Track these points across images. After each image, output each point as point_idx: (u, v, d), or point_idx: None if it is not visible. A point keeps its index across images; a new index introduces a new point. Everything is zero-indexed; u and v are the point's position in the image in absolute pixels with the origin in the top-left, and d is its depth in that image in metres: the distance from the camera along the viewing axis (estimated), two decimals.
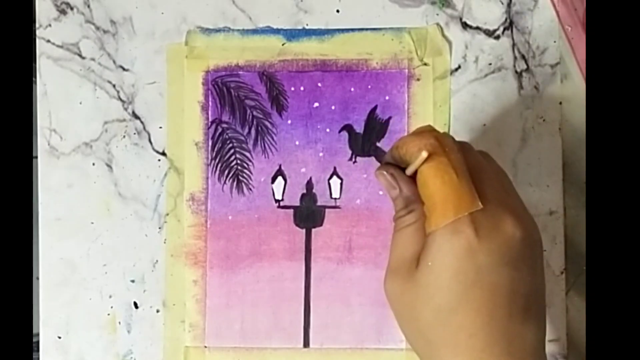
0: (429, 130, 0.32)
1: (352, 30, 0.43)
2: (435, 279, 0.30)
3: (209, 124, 0.43)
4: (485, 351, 0.30)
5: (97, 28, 0.44)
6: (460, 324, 0.30)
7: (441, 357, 0.31)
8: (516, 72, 0.43)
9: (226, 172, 0.43)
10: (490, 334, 0.30)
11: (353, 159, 0.43)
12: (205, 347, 0.43)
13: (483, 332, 0.30)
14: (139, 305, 0.43)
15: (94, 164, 0.44)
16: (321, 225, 0.43)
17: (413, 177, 0.33)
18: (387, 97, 0.43)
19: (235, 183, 0.43)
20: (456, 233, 0.30)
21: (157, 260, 0.43)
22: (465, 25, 0.43)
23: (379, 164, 0.43)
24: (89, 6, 0.44)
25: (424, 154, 0.31)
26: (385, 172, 0.33)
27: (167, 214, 0.43)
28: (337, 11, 0.43)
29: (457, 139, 0.42)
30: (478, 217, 0.30)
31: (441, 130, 0.34)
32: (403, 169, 0.33)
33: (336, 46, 0.43)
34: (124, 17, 0.44)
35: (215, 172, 0.43)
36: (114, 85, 0.44)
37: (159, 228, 0.43)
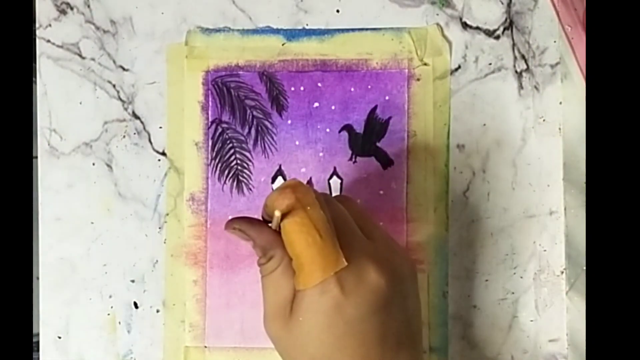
0: (291, 187, 0.32)
1: (352, 30, 0.43)
2: (308, 333, 0.32)
3: (209, 124, 0.43)
4: None
5: (97, 28, 0.44)
6: None
7: None
8: (516, 72, 0.43)
9: (226, 172, 0.43)
10: None
11: (353, 159, 0.43)
12: (205, 347, 0.43)
13: None
14: (139, 305, 0.43)
15: (94, 164, 0.44)
16: None
17: (267, 225, 0.34)
18: (387, 97, 0.43)
19: (235, 183, 0.43)
20: (323, 293, 0.31)
21: (157, 260, 0.43)
22: (465, 25, 0.43)
23: (379, 164, 0.43)
24: (89, 6, 0.44)
25: (277, 214, 0.31)
26: (233, 228, 0.34)
27: (167, 214, 0.43)
28: (337, 11, 0.43)
29: (457, 139, 0.42)
30: (343, 273, 0.31)
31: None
32: (266, 220, 0.34)
33: (336, 46, 0.43)
34: (124, 17, 0.44)
35: (215, 172, 0.43)
36: (114, 85, 0.44)
37: (159, 228, 0.43)
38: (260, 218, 0.35)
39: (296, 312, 0.32)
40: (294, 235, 0.32)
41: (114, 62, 0.44)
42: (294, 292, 0.32)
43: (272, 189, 0.43)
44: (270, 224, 0.33)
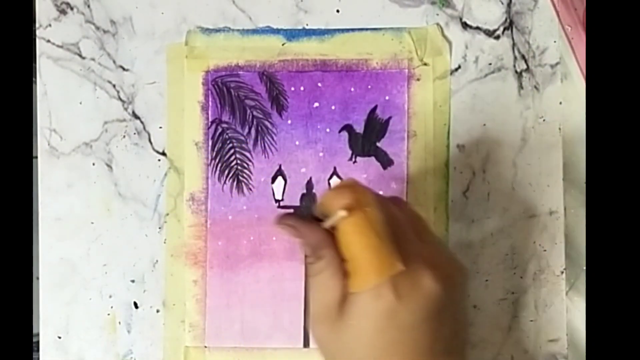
0: (350, 186, 0.32)
1: (352, 30, 0.43)
2: (358, 337, 0.31)
3: (209, 124, 0.43)
4: None
5: (97, 28, 0.44)
6: None
7: None
8: (516, 72, 0.43)
9: (226, 172, 0.43)
10: None
11: (353, 159, 0.43)
12: (205, 347, 0.43)
13: None
14: (139, 305, 0.43)
15: (94, 164, 0.44)
16: None
17: (318, 224, 0.33)
18: (387, 97, 0.43)
19: (235, 183, 0.43)
20: (378, 297, 0.30)
21: (157, 260, 0.43)
22: (465, 25, 0.43)
23: (379, 164, 0.43)
24: (89, 6, 0.44)
25: (341, 213, 0.31)
26: (283, 225, 0.33)
27: (167, 214, 0.43)
28: (337, 11, 0.43)
29: (457, 139, 0.42)
30: (398, 278, 0.30)
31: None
32: (317, 219, 0.33)
33: (336, 46, 0.43)
34: (124, 17, 0.44)
35: (215, 172, 0.43)
36: (114, 85, 0.44)
37: (159, 228, 0.43)
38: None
39: (347, 315, 0.31)
40: (351, 236, 0.31)
41: (114, 62, 0.44)
42: (343, 294, 0.31)
43: (272, 189, 0.43)
44: (322, 223, 0.32)
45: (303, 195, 0.43)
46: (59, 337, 0.43)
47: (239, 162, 0.43)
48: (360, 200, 0.31)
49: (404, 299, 0.30)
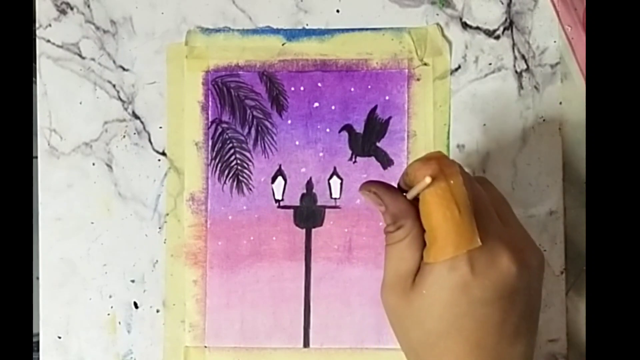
0: (436, 158, 0.32)
1: (352, 30, 0.43)
2: (429, 307, 0.31)
3: (209, 124, 0.43)
4: None
5: (97, 28, 0.44)
6: (449, 348, 0.31)
7: None
8: (516, 72, 0.43)
9: (226, 172, 0.43)
10: (477, 356, 0.31)
11: (353, 159, 0.43)
12: (205, 347, 0.43)
13: (470, 355, 0.31)
14: (139, 305, 0.43)
15: (94, 164, 0.44)
16: (321, 225, 0.43)
17: (402, 194, 0.33)
18: (387, 97, 0.43)
19: (235, 183, 0.43)
20: (453, 270, 0.31)
21: (157, 260, 0.43)
22: (465, 25, 0.43)
23: (379, 164, 0.43)
24: (89, 6, 0.44)
25: (427, 180, 0.31)
26: (368, 191, 0.34)
27: (167, 214, 0.43)
28: (337, 11, 0.43)
29: (457, 139, 0.42)
30: (475, 254, 0.31)
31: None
32: (401, 189, 0.34)
33: (336, 46, 0.43)
34: (124, 17, 0.44)
35: (215, 172, 0.43)
36: (114, 85, 0.44)
37: (159, 228, 0.43)
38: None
39: (420, 284, 0.31)
40: (433, 206, 0.31)
41: (114, 62, 0.44)
42: (418, 264, 0.32)
43: (272, 189, 0.43)
44: (405, 194, 0.33)
45: (303, 195, 0.43)
46: (59, 337, 0.43)
47: (239, 162, 0.43)
48: (445, 171, 0.31)
49: (478, 274, 0.30)
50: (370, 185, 0.34)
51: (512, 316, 0.31)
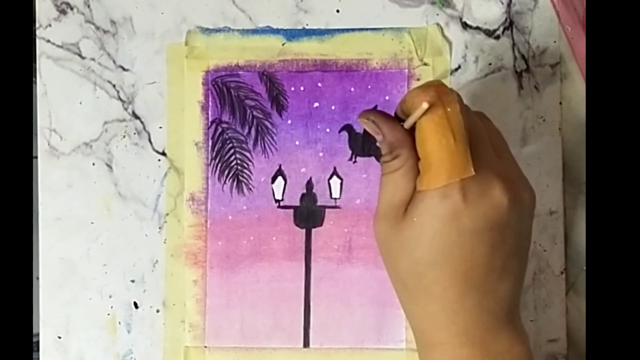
0: (435, 86, 0.32)
1: (352, 30, 0.43)
2: (419, 235, 0.31)
3: (209, 124, 0.43)
4: (457, 302, 0.31)
5: (97, 28, 0.44)
6: (437, 277, 0.31)
7: (416, 301, 0.33)
8: (516, 72, 0.43)
9: (226, 172, 0.43)
10: (464, 288, 0.31)
11: (353, 159, 0.43)
12: (205, 347, 0.43)
13: (457, 286, 0.31)
14: (139, 305, 0.43)
15: (94, 164, 0.44)
16: (321, 225, 0.43)
17: (400, 123, 0.33)
18: (387, 97, 0.43)
19: (235, 183, 0.43)
20: (445, 197, 0.31)
21: (157, 260, 0.43)
22: (465, 25, 0.43)
23: (379, 164, 0.43)
24: (89, 6, 0.44)
25: (425, 105, 0.31)
26: (366, 120, 0.34)
27: (167, 214, 0.43)
28: (337, 11, 0.43)
29: None
30: (468, 182, 0.31)
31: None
32: (399, 119, 0.34)
33: (336, 46, 0.43)
34: (124, 17, 0.44)
35: (215, 172, 0.43)
36: (114, 85, 0.44)
37: (159, 228, 0.43)
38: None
39: (411, 212, 0.32)
40: (429, 133, 0.31)
41: (114, 62, 0.44)
42: (411, 194, 0.32)
43: (272, 189, 0.43)
44: (403, 124, 0.33)
45: (303, 195, 0.43)
46: (59, 337, 0.43)
47: (239, 162, 0.43)
48: (443, 99, 0.31)
49: (470, 203, 0.30)
50: (369, 114, 0.34)
51: (501, 250, 0.31)
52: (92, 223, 0.43)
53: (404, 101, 0.33)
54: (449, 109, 0.31)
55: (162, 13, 0.44)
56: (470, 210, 0.31)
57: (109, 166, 0.44)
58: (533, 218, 0.34)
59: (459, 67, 0.43)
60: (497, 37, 0.43)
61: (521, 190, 0.32)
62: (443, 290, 0.31)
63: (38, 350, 0.43)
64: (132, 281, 0.43)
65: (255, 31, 0.44)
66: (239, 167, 0.43)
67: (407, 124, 0.33)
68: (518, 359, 0.32)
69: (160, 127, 0.44)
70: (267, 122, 0.43)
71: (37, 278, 0.43)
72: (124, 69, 0.44)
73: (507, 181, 0.31)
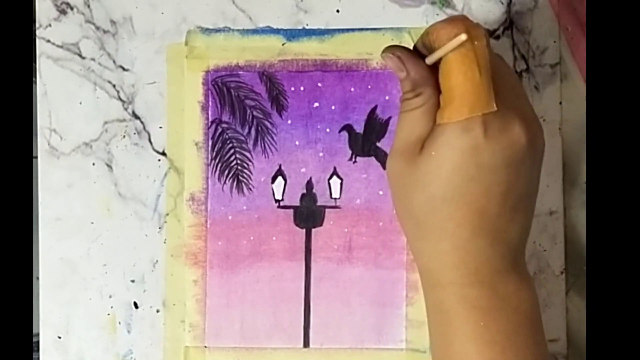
0: (461, 19, 0.32)
1: (352, 30, 0.43)
2: (436, 169, 0.31)
3: (209, 124, 0.43)
4: (470, 241, 0.31)
5: (97, 28, 0.44)
6: (451, 214, 0.31)
7: (427, 239, 0.32)
8: (516, 72, 0.43)
9: (226, 172, 0.43)
10: (477, 226, 0.31)
11: (353, 159, 0.43)
12: (205, 347, 0.43)
13: (471, 224, 0.31)
14: (139, 305, 0.43)
15: (94, 164, 0.44)
16: (321, 225, 0.43)
17: (424, 60, 0.33)
18: (387, 97, 0.43)
19: (235, 183, 0.43)
20: (466, 131, 0.31)
21: (157, 260, 0.43)
22: None
23: (379, 164, 0.43)
24: (89, 6, 0.44)
25: (463, 37, 0.30)
26: (391, 55, 0.33)
27: (167, 214, 0.43)
28: (337, 11, 0.43)
29: None
30: (489, 118, 0.31)
31: None
32: (420, 55, 0.33)
33: (336, 46, 0.43)
34: (124, 17, 0.44)
35: (215, 172, 0.43)
36: (114, 85, 0.44)
37: (159, 228, 0.43)
38: None
39: (430, 146, 0.31)
40: (455, 64, 0.31)
41: (114, 62, 0.44)
42: (429, 132, 0.32)
43: (272, 189, 0.43)
44: (428, 57, 0.33)
45: (303, 195, 0.43)
46: (59, 337, 0.43)
47: (239, 162, 0.43)
48: (471, 32, 0.31)
49: (491, 138, 0.30)
50: (395, 49, 0.33)
51: (514, 190, 0.31)
52: (92, 223, 0.43)
53: (427, 34, 0.33)
54: (476, 42, 0.31)
55: (162, 13, 0.44)
56: (490, 145, 0.30)
57: (109, 166, 0.44)
58: (541, 163, 0.34)
59: None
60: (497, 37, 0.43)
61: (537, 130, 0.33)
62: (456, 227, 0.31)
63: (38, 350, 0.43)
64: (132, 281, 0.43)
65: (255, 31, 0.44)
66: (239, 167, 0.43)
67: (434, 58, 0.32)
68: (525, 302, 0.32)
69: (160, 127, 0.44)
70: (267, 122, 0.43)
71: (37, 278, 0.43)
72: (124, 69, 0.44)
73: (525, 120, 0.32)
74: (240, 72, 0.43)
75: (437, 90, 0.32)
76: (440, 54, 0.32)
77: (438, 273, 0.32)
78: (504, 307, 0.32)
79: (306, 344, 0.42)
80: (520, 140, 0.31)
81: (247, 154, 0.43)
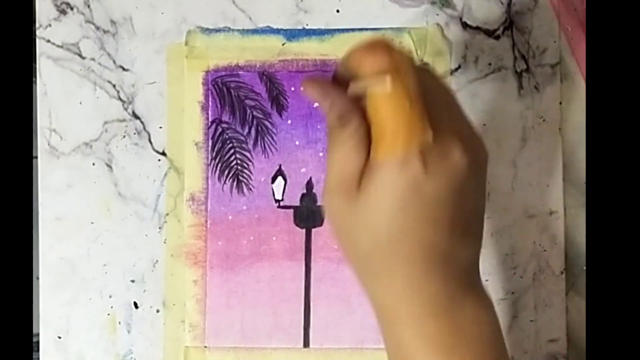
0: (383, 46, 0.29)
1: (352, 30, 0.43)
2: (378, 209, 0.29)
3: (209, 124, 0.43)
4: (423, 273, 0.30)
5: (97, 28, 0.44)
6: (400, 252, 0.30)
7: (378, 277, 0.31)
8: (516, 72, 0.43)
9: (226, 172, 0.43)
10: (428, 259, 0.30)
11: None
12: (205, 347, 0.43)
13: (421, 258, 0.30)
14: (139, 305, 0.43)
15: (94, 164, 0.44)
16: (321, 225, 0.43)
17: (346, 90, 0.30)
18: None
19: (235, 183, 0.43)
20: (404, 168, 0.28)
21: (157, 260, 0.43)
22: (465, 25, 0.43)
23: None
24: (89, 6, 0.44)
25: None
26: (311, 87, 0.30)
27: (167, 214, 0.43)
28: (337, 11, 0.43)
29: None
30: (426, 149, 0.28)
31: None
32: (343, 80, 0.31)
33: (336, 46, 0.43)
34: (124, 17, 0.44)
35: (215, 172, 0.43)
36: (114, 85, 0.44)
37: (159, 228, 0.43)
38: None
39: (367, 185, 0.29)
40: (382, 99, 0.29)
41: (114, 62, 0.44)
42: (364, 164, 0.30)
43: (272, 189, 0.43)
44: (352, 86, 0.30)
45: (303, 195, 0.43)
46: (59, 337, 0.43)
47: (239, 162, 0.43)
48: (395, 61, 0.29)
49: (431, 171, 0.28)
50: (313, 81, 0.30)
51: (462, 212, 0.30)
52: (92, 223, 0.43)
53: (347, 60, 0.30)
54: (402, 71, 0.29)
55: (162, 13, 0.44)
56: (431, 178, 0.29)
57: (109, 166, 0.44)
58: (486, 176, 0.32)
59: (459, 67, 0.43)
60: (497, 37, 0.43)
61: (477, 147, 0.31)
62: (406, 263, 0.30)
63: (38, 350, 0.43)
64: (132, 281, 0.43)
65: (255, 31, 0.44)
66: (239, 167, 0.43)
67: (357, 89, 0.30)
68: (486, 327, 0.31)
69: (160, 127, 0.44)
70: (267, 122, 0.43)
71: (37, 278, 0.43)
72: (124, 69, 0.44)
73: (464, 140, 0.29)
74: (240, 72, 0.43)
75: (365, 118, 0.30)
76: (363, 87, 0.29)
77: (394, 309, 0.31)
78: (464, 337, 0.30)
79: (306, 344, 0.42)
80: (462, 163, 0.29)
81: (247, 154, 0.43)
